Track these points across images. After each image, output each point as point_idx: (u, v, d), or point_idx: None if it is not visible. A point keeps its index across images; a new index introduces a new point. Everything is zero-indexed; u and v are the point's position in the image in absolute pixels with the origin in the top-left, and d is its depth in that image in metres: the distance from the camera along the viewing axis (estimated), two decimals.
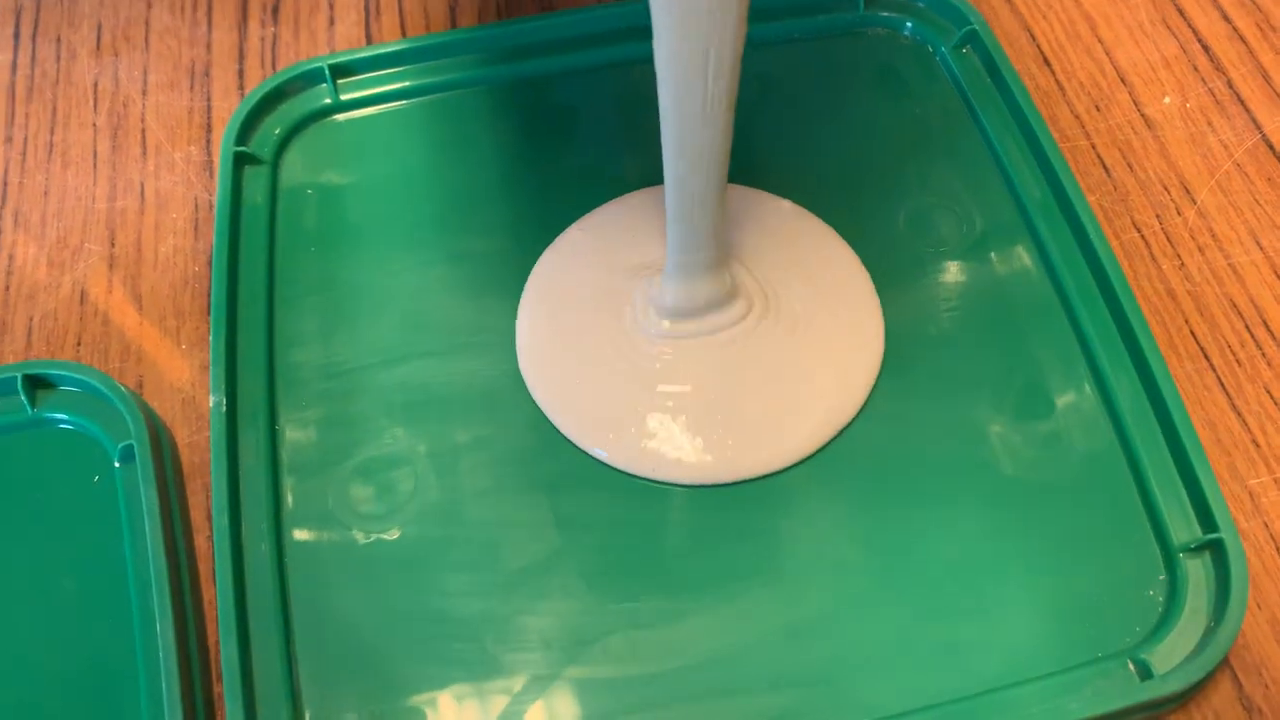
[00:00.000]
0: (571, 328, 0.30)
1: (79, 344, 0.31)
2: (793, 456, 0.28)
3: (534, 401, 0.29)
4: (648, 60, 0.34)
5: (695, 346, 0.30)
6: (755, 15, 0.35)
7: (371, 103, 0.34)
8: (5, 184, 0.34)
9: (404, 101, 0.35)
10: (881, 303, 0.31)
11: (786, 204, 0.32)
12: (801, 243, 0.32)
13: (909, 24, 0.35)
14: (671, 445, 0.28)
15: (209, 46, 0.37)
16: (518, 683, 0.26)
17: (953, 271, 0.31)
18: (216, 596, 0.26)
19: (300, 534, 0.27)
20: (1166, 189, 0.33)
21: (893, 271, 0.31)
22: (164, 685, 0.25)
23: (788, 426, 0.29)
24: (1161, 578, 0.26)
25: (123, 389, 0.28)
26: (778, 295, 0.31)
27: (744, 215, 0.32)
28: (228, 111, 0.35)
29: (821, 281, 0.31)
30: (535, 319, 0.31)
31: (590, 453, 0.29)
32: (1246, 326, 0.30)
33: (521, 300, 0.31)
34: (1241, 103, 0.34)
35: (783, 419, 0.29)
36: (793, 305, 0.30)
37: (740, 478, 0.28)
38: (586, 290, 0.31)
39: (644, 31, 0.36)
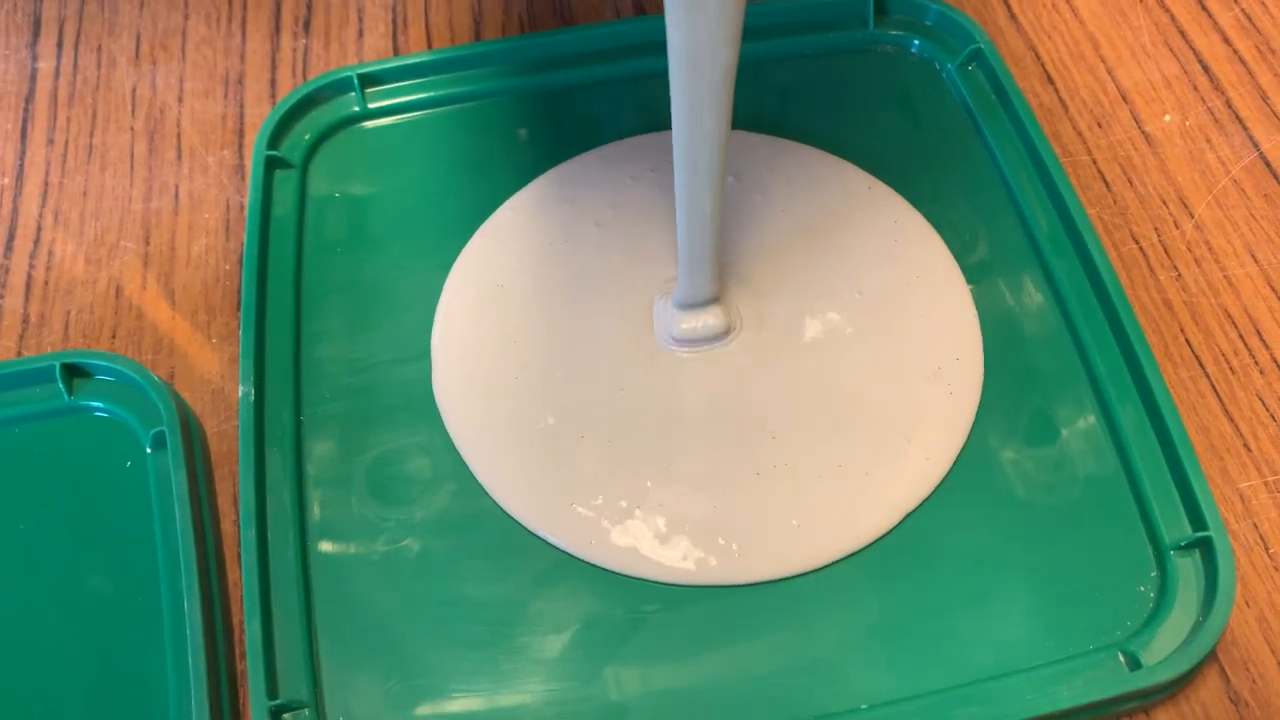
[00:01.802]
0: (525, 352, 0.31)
1: (114, 336, 0.32)
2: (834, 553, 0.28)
3: None
4: (665, 74, 0.35)
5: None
6: (766, 32, 0.36)
7: (398, 111, 0.36)
8: (46, 184, 0.35)
9: (429, 110, 0.36)
10: None
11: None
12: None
13: (916, 42, 0.36)
14: (671, 552, 0.28)
15: (243, 56, 0.38)
16: (531, 666, 0.27)
17: None
18: (242, 577, 0.27)
19: (323, 519, 0.29)
20: (1165, 204, 0.34)
21: None
22: (190, 660, 0.26)
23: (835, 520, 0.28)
24: (1153, 574, 0.27)
25: (155, 378, 0.30)
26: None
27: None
28: (260, 118, 0.36)
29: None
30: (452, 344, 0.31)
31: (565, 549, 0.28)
32: (1240, 336, 0.31)
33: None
34: (1240, 122, 0.35)
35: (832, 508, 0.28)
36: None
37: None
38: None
39: (662, 45, 0.37)
